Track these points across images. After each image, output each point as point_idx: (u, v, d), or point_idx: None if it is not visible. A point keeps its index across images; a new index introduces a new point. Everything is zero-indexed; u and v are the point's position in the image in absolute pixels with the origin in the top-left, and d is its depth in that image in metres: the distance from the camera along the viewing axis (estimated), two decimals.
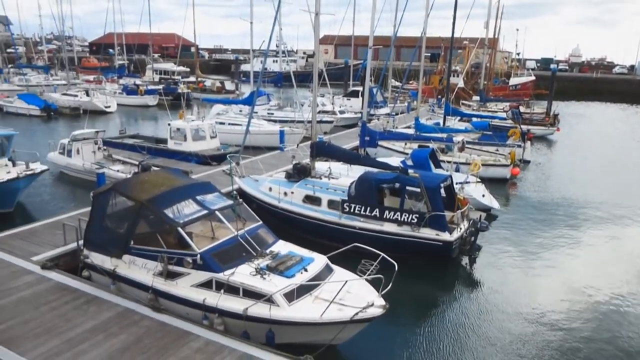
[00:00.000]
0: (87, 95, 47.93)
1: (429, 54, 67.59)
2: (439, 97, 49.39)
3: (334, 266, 11.32)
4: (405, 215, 15.19)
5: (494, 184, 23.08)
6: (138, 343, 9.42)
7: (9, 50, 77.98)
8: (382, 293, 9.97)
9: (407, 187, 15.60)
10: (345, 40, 54.47)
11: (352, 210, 15.81)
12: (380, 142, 25.09)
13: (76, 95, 48.03)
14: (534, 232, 18.77)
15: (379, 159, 19.54)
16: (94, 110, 43.76)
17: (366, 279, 10.35)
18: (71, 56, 60.43)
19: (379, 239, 14.79)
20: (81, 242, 12.51)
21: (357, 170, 17.85)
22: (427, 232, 14.98)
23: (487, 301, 13.55)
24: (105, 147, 24.72)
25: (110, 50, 73.66)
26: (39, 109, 44.11)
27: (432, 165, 19.64)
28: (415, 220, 15.04)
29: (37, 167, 18.96)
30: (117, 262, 11.53)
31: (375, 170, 17.06)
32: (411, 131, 27.74)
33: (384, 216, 15.44)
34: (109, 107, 47.80)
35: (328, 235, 15.66)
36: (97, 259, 11.88)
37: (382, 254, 10.69)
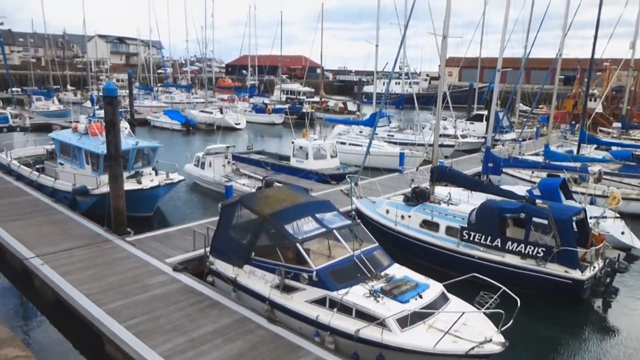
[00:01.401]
0: (221, 112, 51.93)
1: (563, 77, 63.14)
2: (573, 122, 45.76)
3: (450, 295, 10.93)
4: (530, 248, 14.23)
5: (637, 220, 20.75)
6: (252, 351, 9.84)
7: (159, 71, 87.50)
8: (502, 329, 9.41)
9: (534, 219, 14.61)
10: (471, 62, 52.97)
11: (471, 239, 15.18)
12: (504, 169, 23.87)
13: (211, 113, 52.28)
14: None
15: (503, 187, 18.57)
16: (226, 127, 47.13)
17: (484, 313, 9.83)
18: (210, 76, 65.87)
19: (499, 270, 14.00)
20: (208, 249, 13.45)
21: (479, 198, 17.15)
22: (555, 268, 13.85)
23: (620, 352, 12.14)
24: (234, 162, 26.50)
25: (244, 71, 79.09)
26: (180, 124, 48.78)
27: (562, 197, 18.23)
28: (542, 254, 14.02)
29: (176, 177, 20.84)
30: (239, 271, 12.21)
31: (498, 198, 16.26)
32: (540, 159, 26.02)
33: (506, 247, 14.61)
34: (239, 124, 51.23)
35: (444, 262, 15.19)
36: (221, 266, 12.68)
37: (503, 287, 10.11)
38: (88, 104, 54.89)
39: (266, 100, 65.15)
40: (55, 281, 12.65)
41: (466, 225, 15.43)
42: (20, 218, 17.45)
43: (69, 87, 72.81)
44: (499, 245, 14.71)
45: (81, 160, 20.42)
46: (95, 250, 14.85)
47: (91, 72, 72.14)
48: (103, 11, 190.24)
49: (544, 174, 23.33)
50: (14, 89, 50.41)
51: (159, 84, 76.88)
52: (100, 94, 45.89)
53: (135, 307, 11.44)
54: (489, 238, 14.85)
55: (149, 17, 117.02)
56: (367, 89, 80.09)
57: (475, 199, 17.21)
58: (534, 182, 21.91)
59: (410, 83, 54.35)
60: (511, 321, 9.31)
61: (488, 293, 10.26)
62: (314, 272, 10.63)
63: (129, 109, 51.16)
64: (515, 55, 37.81)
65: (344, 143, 32.05)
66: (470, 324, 9.77)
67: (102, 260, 14.10)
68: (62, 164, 21.69)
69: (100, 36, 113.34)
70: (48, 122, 45.41)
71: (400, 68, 46.68)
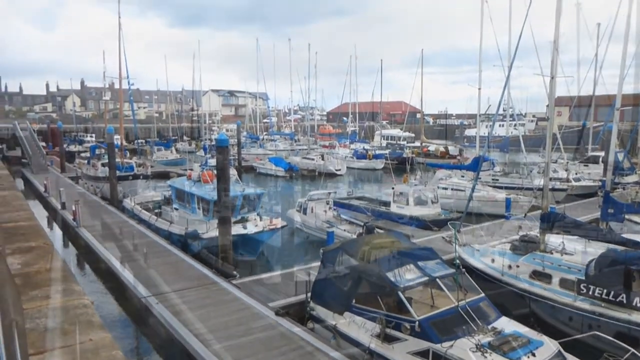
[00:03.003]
0: (322, 159, 53.26)
1: None
2: None
3: (567, 355, 9.97)
4: None
5: None
6: None
7: (265, 120, 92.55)
8: None
9: None
10: (583, 101, 49.85)
11: (590, 293, 13.83)
12: (627, 216, 21.75)
13: (313, 159, 53.81)
14: None
15: (626, 235, 16.90)
16: (327, 173, 48.11)
17: None
18: (312, 124, 68.25)
19: (626, 330, 12.55)
20: (309, 294, 13.57)
21: (597, 247, 15.72)
22: None
23: None
24: (335, 207, 26.83)
25: (345, 118, 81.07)
26: (284, 171, 50.67)
27: None
28: None
29: (279, 222, 21.56)
30: (339, 318, 12.15)
31: (620, 248, 14.80)
32: None
33: (634, 304, 13.09)
34: (339, 170, 52.09)
35: (559, 318, 13.94)
36: (321, 312, 12.72)
37: (632, 350, 9.05)
38: (201, 152, 59.09)
39: (366, 146, 65.88)
40: (168, 320, 13.41)
41: (584, 278, 14.14)
42: (140, 258, 18.94)
43: (184, 137, 79.18)
44: (625, 302, 13.23)
45: (193, 206, 21.88)
46: (203, 291, 15.61)
47: (204, 124, 77.96)
48: (216, 68, 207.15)
49: None
50: (139, 140, 55.85)
51: (264, 133, 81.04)
52: (212, 143, 49.33)
53: (239, 349, 11.74)
54: (612, 293, 13.43)
55: (256, 71, 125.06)
56: (469, 132, 78.19)
57: (593, 249, 15.80)
58: None
59: (515, 125, 52.28)
60: None
61: (614, 355, 9.26)
62: (417, 322, 10.30)
63: (236, 157, 54.28)
64: (636, 91, 35.00)
65: (446, 188, 31.27)
66: None
67: (210, 301, 14.76)
68: (176, 209, 23.39)
69: (214, 90, 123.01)
70: (166, 170, 49.48)
71: (504, 110, 45.25)
